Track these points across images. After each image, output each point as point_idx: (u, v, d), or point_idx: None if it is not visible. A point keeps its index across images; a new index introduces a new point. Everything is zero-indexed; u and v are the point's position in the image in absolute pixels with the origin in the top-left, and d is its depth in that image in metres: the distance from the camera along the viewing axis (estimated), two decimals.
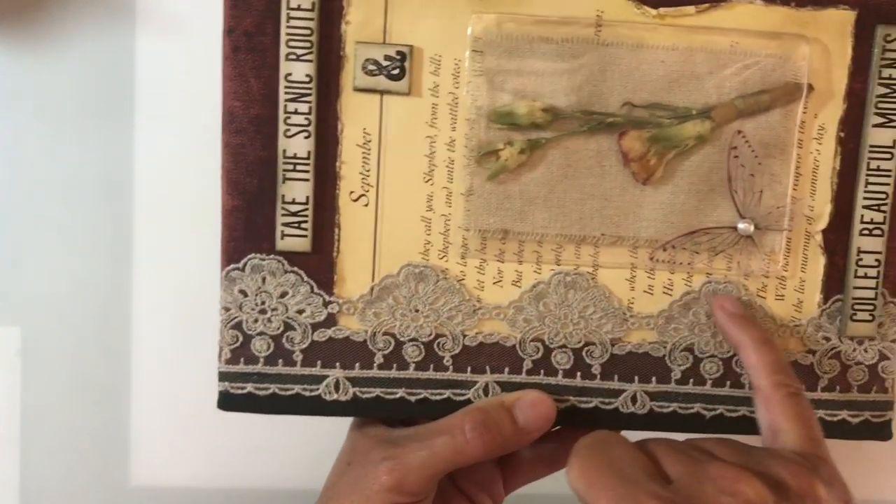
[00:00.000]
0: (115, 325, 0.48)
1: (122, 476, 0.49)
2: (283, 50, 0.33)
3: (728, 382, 0.36)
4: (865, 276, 0.35)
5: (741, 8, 0.34)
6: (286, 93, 0.33)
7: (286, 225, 0.34)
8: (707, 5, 0.33)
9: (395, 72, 0.33)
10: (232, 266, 0.34)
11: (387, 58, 0.33)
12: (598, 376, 0.35)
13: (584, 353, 0.35)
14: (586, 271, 0.35)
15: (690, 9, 0.33)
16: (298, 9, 0.33)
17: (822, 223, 0.35)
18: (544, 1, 0.33)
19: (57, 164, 0.47)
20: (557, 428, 0.37)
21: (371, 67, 0.33)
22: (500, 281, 0.35)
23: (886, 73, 0.34)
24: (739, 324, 0.34)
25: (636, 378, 0.36)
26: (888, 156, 0.35)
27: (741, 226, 0.34)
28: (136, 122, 0.47)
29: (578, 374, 0.35)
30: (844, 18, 0.34)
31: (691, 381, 0.36)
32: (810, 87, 0.34)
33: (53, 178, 0.47)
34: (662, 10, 0.33)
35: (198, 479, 0.49)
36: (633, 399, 0.36)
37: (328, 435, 0.38)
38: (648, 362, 0.35)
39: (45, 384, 0.48)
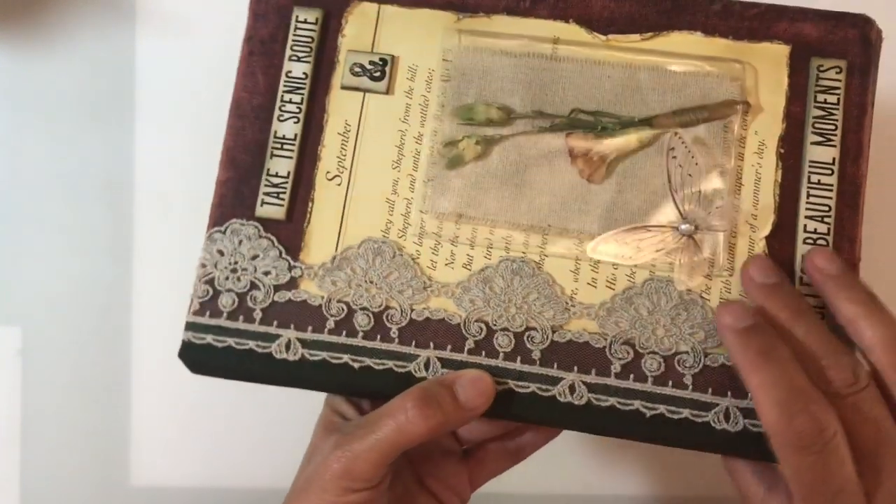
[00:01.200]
0: (115, 326, 0.48)
1: (122, 476, 0.49)
2: (288, 52, 0.40)
3: (670, 382, 0.35)
4: (810, 284, 0.35)
5: (682, 38, 0.38)
6: (284, 86, 0.39)
7: (267, 194, 0.38)
8: (651, 34, 0.38)
9: (377, 74, 0.39)
10: (215, 228, 0.39)
11: (371, 62, 0.39)
12: (538, 362, 0.36)
13: (525, 338, 0.36)
14: (533, 260, 0.37)
15: (636, 36, 0.38)
16: (305, 22, 0.40)
17: (765, 231, 0.36)
18: (508, 26, 0.39)
19: (57, 164, 0.47)
20: (518, 425, 0.37)
21: (357, 69, 0.39)
22: (452, 263, 0.37)
23: (822, 97, 0.37)
24: (843, 285, 0.32)
25: (575, 367, 0.36)
26: (829, 171, 0.36)
27: (682, 226, 0.36)
28: (136, 122, 0.47)
29: (518, 357, 0.36)
30: (779, 52, 0.37)
31: (631, 376, 0.35)
32: (747, 105, 0.37)
33: (53, 178, 0.47)
34: (611, 36, 0.38)
35: (198, 479, 0.49)
36: (572, 388, 0.35)
37: None
38: (588, 353, 0.36)
39: (45, 384, 0.49)
